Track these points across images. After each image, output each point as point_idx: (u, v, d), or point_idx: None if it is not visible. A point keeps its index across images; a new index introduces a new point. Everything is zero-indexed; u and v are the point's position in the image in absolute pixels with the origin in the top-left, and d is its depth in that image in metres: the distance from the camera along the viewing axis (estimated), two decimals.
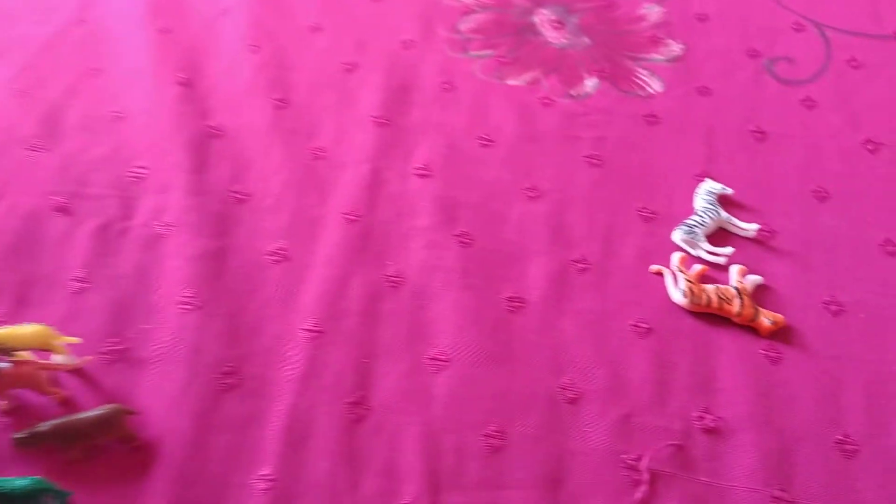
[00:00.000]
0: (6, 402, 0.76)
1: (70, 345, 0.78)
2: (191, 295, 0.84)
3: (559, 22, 1.22)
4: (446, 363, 0.82)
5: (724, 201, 0.98)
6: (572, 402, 0.80)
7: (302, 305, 0.86)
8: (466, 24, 1.20)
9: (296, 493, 0.73)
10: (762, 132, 1.07)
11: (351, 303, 0.86)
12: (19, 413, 0.76)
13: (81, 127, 1.00)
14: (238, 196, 0.95)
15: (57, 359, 0.78)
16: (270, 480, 0.73)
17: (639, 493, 0.75)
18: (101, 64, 1.08)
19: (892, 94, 1.12)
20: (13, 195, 0.93)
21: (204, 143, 1.00)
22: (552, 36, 1.21)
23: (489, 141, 1.04)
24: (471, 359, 0.83)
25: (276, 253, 0.90)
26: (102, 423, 0.73)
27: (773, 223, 0.96)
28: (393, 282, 0.88)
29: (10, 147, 0.97)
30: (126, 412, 0.74)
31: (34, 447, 0.72)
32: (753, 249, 0.94)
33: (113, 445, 0.74)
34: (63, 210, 0.92)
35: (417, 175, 0.99)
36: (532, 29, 1.22)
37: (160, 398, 0.78)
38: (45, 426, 0.72)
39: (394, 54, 1.14)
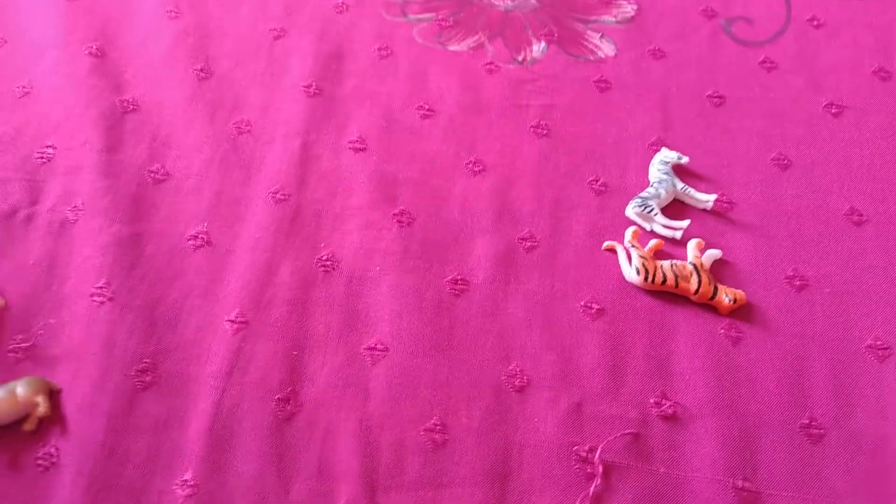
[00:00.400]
0: None
1: None
2: (103, 285, 0.78)
3: None
4: (384, 353, 0.77)
5: (679, 171, 0.93)
6: (520, 390, 0.76)
7: (226, 294, 0.80)
8: None
9: (221, 499, 0.68)
10: (720, 97, 1.03)
11: (279, 290, 0.80)
12: None
13: None
14: (156, 176, 0.88)
15: None
16: (192, 486, 0.68)
17: (592, 487, 0.71)
18: (5, 34, 1.00)
19: (855, 55, 1.08)
20: None
21: (118, 120, 0.92)
22: None
23: (430, 111, 0.98)
24: (411, 348, 0.78)
25: (197, 237, 0.84)
26: (11, 391, 0.69)
27: (732, 194, 0.92)
28: (326, 266, 0.83)
29: None
30: (44, 386, 0.70)
31: None
32: (712, 222, 0.90)
33: (15, 445, 0.68)
34: None
35: (352, 149, 0.93)
36: None
37: (70, 399, 0.72)
38: None
39: (326, 19, 1.07)
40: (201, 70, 0.98)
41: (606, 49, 1.08)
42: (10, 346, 0.74)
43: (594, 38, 1.08)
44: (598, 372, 0.78)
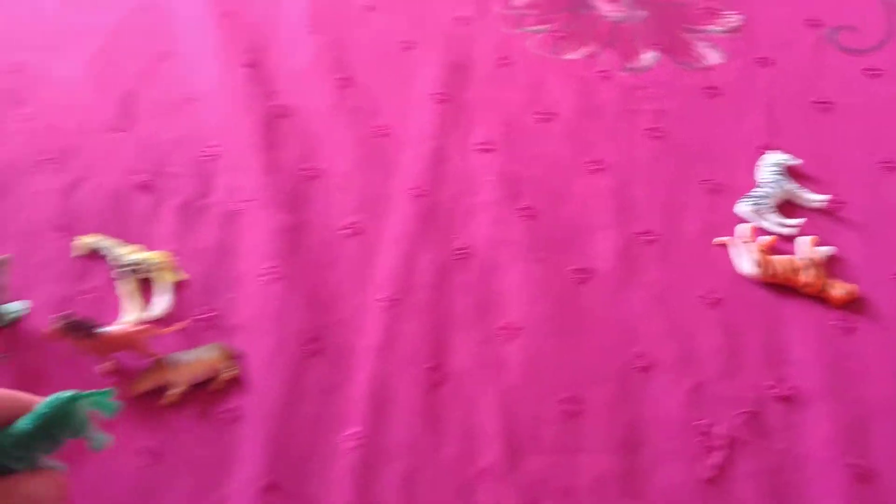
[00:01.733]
0: (109, 363, 0.83)
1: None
2: (272, 267, 0.91)
3: None
4: (517, 332, 0.88)
5: (790, 173, 1.01)
6: (644, 371, 0.86)
7: (377, 278, 0.92)
8: (520, 0, 1.25)
9: (383, 452, 0.79)
10: (825, 103, 1.11)
11: (422, 276, 0.92)
12: (119, 374, 0.83)
13: (155, 109, 1.08)
14: (308, 173, 1.01)
15: (155, 308, 0.87)
16: (359, 440, 0.79)
17: (714, 459, 0.79)
18: (169, 48, 1.15)
19: None
20: (98, 176, 1.01)
21: (272, 123, 1.06)
22: (607, 9, 1.25)
23: (549, 116, 1.09)
24: (541, 329, 0.88)
25: (349, 228, 0.96)
26: (201, 355, 0.83)
27: (839, 194, 1.00)
28: (461, 255, 0.94)
29: (92, 130, 1.05)
30: (227, 352, 0.83)
31: (141, 389, 0.81)
32: (822, 221, 0.98)
33: (204, 400, 0.81)
34: (145, 188, 0.99)
35: (479, 151, 1.05)
36: (586, 3, 1.26)
37: (250, 363, 0.85)
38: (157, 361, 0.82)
39: (449, 31, 1.20)
40: (341, 79, 1.12)
41: (714, 57, 1.17)
42: (197, 317, 0.88)
43: (702, 46, 1.17)
44: (716, 356, 0.87)
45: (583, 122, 1.09)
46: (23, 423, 0.37)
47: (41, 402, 0.38)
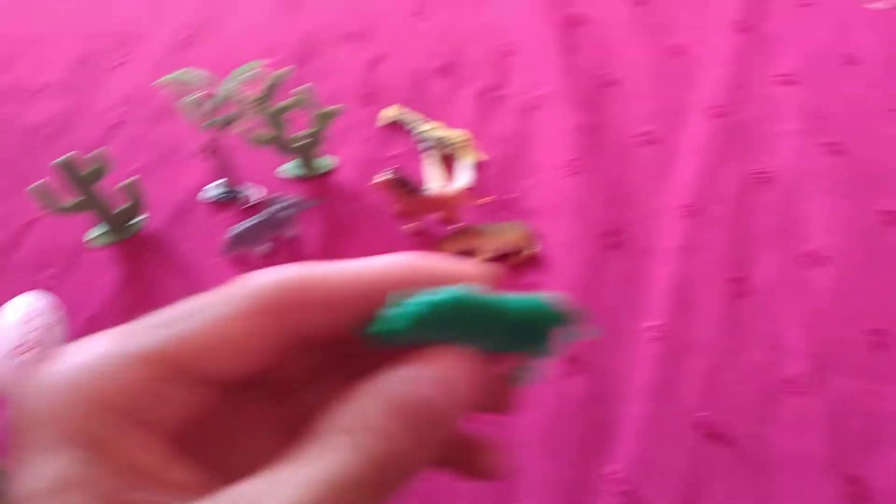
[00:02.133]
0: (415, 224, 0.87)
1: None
2: (572, 159, 0.92)
3: None
4: (824, 260, 0.86)
5: None
6: None
7: (675, 185, 0.92)
8: None
9: (684, 347, 0.79)
10: None
11: (723, 190, 0.91)
12: (423, 235, 0.87)
13: (452, 1, 1.11)
14: (604, 80, 1.02)
15: (457, 183, 0.90)
16: (659, 332, 0.80)
17: None
18: None
19: None
20: (399, 55, 1.05)
21: (570, 30, 1.08)
22: None
23: (853, 60, 1.05)
24: (848, 261, 0.86)
25: (645, 135, 0.96)
26: (506, 230, 0.85)
27: None
28: (761, 177, 0.93)
29: (395, 12, 1.09)
30: (529, 231, 0.85)
31: (450, 248, 0.85)
32: None
33: (505, 273, 0.83)
34: (444, 72, 1.02)
35: (780, 83, 1.02)
36: None
37: (548, 246, 0.86)
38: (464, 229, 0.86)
39: None
40: None
41: None
42: (498, 195, 0.90)
43: None
44: None
45: (891, 71, 1.04)
46: (511, 302, 0.26)
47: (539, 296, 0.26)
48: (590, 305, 0.82)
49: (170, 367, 0.25)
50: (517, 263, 0.85)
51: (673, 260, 0.85)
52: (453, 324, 0.25)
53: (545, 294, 0.26)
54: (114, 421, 0.23)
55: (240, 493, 0.22)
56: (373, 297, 0.26)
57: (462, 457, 0.30)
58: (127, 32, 1.12)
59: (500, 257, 0.86)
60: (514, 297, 0.26)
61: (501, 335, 0.26)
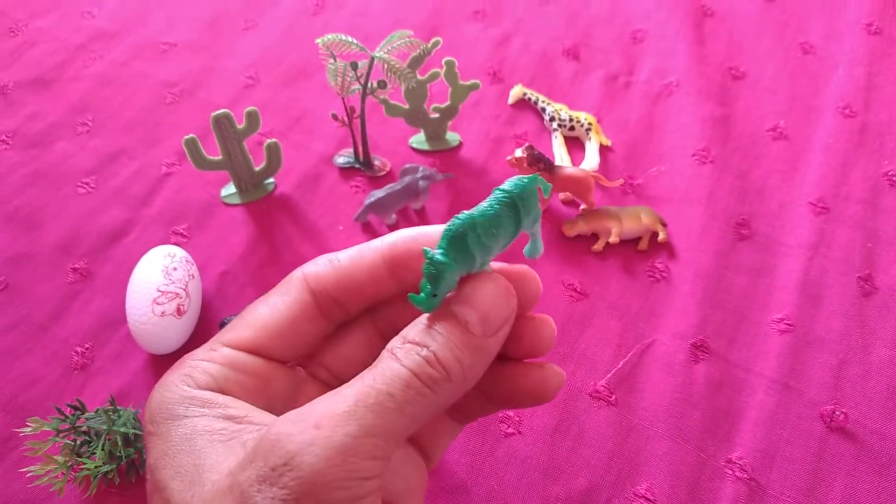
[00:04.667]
0: (547, 202, 0.93)
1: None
2: (702, 149, 0.97)
3: None
4: None
5: None
6: None
7: (804, 182, 0.96)
8: None
9: (811, 341, 0.84)
10: None
11: (853, 189, 0.96)
12: (546, 214, 0.93)
13: None
14: (735, 73, 1.07)
15: (585, 165, 0.96)
16: (788, 324, 0.84)
17: None
18: None
19: None
20: (526, 34, 1.11)
21: (699, 20, 1.12)
22: None
23: None
24: None
25: (775, 129, 1.01)
26: (635, 214, 0.90)
27: None
28: (892, 180, 0.97)
29: None
30: (658, 217, 0.90)
31: (574, 232, 0.91)
32: None
33: (631, 257, 0.89)
34: (572, 55, 1.08)
35: None
36: None
37: (676, 233, 0.91)
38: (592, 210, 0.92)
39: None
40: None
41: None
42: (627, 182, 0.96)
43: None
44: None
45: None
46: (487, 205, 0.35)
47: (502, 186, 0.35)
48: (718, 294, 0.87)
49: (245, 349, 0.37)
50: (644, 248, 0.91)
51: (802, 255, 0.90)
52: (469, 244, 0.33)
53: (508, 181, 0.35)
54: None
55: (309, 405, 0.32)
56: (384, 269, 0.39)
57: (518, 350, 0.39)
58: None
59: (627, 241, 0.91)
60: (490, 198, 0.35)
61: (505, 227, 0.35)
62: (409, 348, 0.33)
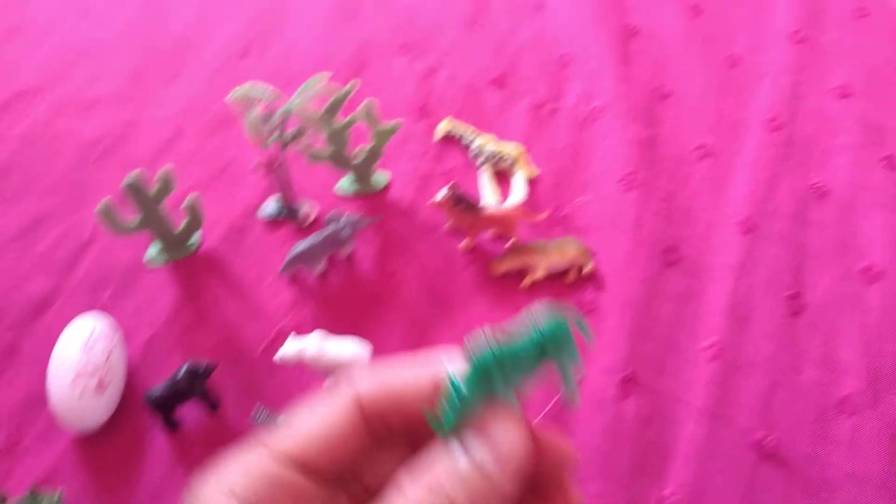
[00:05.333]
0: (470, 240, 0.93)
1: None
2: (629, 174, 0.98)
3: None
4: (878, 277, 0.91)
5: None
6: None
7: (731, 200, 0.97)
8: None
9: (740, 366, 0.84)
10: None
11: (780, 205, 0.96)
12: (475, 252, 0.94)
13: (507, 11, 1.17)
14: (660, 92, 1.08)
15: (512, 198, 0.96)
16: (716, 351, 0.85)
17: None
18: None
19: None
20: (453, 66, 1.11)
21: (625, 40, 1.13)
22: None
23: None
24: None
25: (700, 148, 1.02)
26: (561, 247, 0.90)
27: None
28: (818, 192, 0.98)
29: (448, 23, 1.16)
30: (585, 248, 0.91)
31: (502, 269, 0.91)
32: None
33: (556, 291, 0.90)
34: (498, 84, 1.09)
35: (837, 95, 1.07)
36: None
37: (604, 262, 0.92)
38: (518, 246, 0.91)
39: None
40: (693, 7, 1.17)
41: None
42: (554, 213, 0.96)
43: None
44: None
45: None
46: (519, 342, 0.32)
47: (538, 320, 0.32)
48: (647, 324, 0.88)
49: (289, 462, 0.35)
50: (572, 281, 0.91)
51: (730, 277, 0.91)
52: (492, 381, 0.32)
53: (542, 309, 0.32)
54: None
55: None
56: (433, 391, 0.35)
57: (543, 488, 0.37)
58: (182, 44, 1.19)
59: (556, 275, 0.92)
60: (522, 329, 0.32)
61: (534, 362, 0.32)
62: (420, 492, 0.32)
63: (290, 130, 0.89)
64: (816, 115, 1.05)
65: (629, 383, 0.83)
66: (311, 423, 0.36)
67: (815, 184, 0.98)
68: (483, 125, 1.05)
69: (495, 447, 0.33)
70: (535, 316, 0.33)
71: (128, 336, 0.87)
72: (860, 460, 0.78)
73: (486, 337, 0.32)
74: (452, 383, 0.32)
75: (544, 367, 0.33)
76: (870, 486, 0.76)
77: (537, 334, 0.32)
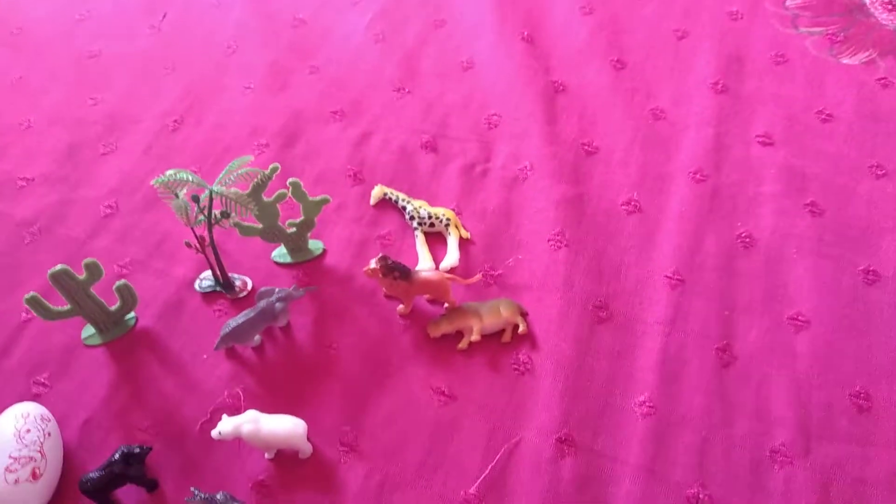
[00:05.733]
0: (405, 307, 0.95)
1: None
2: (558, 233, 1.00)
3: (892, 4, 1.30)
4: (806, 324, 0.93)
5: None
6: None
7: (660, 255, 0.99)
8: (794, 1, 1.31)
9: (673, 421, 0.86)
10: None
11: (707, 258, 0.99)
12: (412, 315, 0.95)
13: (435, 73, 1.20)
14: (588, 148, 1.11)
15: (446, 262, 0.98)
16: (649, 407, 0.87)
17: None
18: (444, 16, 1.28)
19: None
20: (385, 131, 1.14)
21: (551, 97, 1.16)
22: (886, 18, 1.29)
23: (829, 116, 1.14)
24: (831, 323, 0.93)
25: (628, 203, 1.05)
26: (495, 308, 0.92)
27: None
28: (745, 242, 1.00)
29: (379, 88, 1.18)
30: (518, 308, 0.92)
31: (438, 333, 0.92)
32: None
33: (495, 351, 0.91)
34: (430, 147, 1.11)
35: (760, 143, 1.11)
36: (863, 10, 1.31)
37: (537, 321, 0.94)
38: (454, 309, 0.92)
39: (722, 24, 1.27)
40: (616, 61, 1.21)
41: None
42: (484, 272, 0.98)
43: None
44: None
45: (865, 125, 1.13)
46: None
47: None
48: (581, 383, 0.89)
49: None
50: (508, 341, 0.93)
51: (660, 332, 0.93)
52: None
53: None
54: None
55: None
56: None
57: None
58: (114, 119, 1.19)
59: (492, 335, 0.93)
60: None
61: None
62: None
63: (217, 211, 0.90)
64: (740, 165, 1.08)
65: (565, 444, 0.85)
66: None
67: (741, 234, 1.01)
68: (416, 190, 1.07)
69: None
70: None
71: (65, 419, 0.87)
72: None
73: None
74: None
75: None
76: None
77: None
